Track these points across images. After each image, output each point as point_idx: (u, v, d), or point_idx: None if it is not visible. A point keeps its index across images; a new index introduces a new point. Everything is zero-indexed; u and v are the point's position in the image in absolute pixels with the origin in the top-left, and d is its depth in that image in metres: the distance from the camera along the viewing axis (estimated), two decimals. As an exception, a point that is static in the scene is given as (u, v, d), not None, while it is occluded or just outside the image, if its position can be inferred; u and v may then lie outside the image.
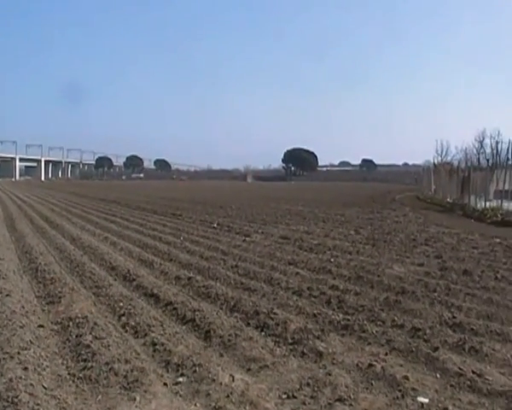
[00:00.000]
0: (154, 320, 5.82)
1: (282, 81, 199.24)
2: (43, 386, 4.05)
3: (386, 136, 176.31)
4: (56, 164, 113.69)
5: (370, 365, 4.56)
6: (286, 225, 15.89)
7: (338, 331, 5.54)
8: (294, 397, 4.05)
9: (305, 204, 24.93)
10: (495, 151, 23.26)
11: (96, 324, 5.56)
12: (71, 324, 5.64)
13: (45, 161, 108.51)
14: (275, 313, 6.04)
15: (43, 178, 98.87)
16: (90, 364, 4.54)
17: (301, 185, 49.15)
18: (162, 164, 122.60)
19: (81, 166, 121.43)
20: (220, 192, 40.78)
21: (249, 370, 4.61)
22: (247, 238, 12.66)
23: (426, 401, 3.92)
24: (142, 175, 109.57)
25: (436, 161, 42.41)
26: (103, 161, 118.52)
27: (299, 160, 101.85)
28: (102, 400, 3.95)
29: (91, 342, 5.01)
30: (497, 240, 12.08)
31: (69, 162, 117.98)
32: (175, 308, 6.35)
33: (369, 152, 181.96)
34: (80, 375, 4.36)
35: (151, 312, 6.21)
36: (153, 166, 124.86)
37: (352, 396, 3.99)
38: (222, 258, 9.85)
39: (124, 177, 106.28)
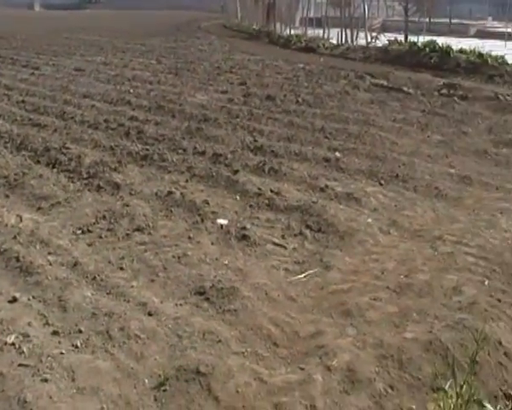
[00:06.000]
0: None
1: None
2: None
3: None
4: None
5: (170, 192, 4.45)
6: (81, 56, 14.20)
7: (137, 162, 5.32)
8: (90, 232, 3.84)
9: (102, 34, 22.45)
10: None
11: None
12: None
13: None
14: (68, 148, 5.57)
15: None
16: None
17: (98, 14, 43.64)
18: None
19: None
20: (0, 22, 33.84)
21: (39, 209, 4.25)
22: (36, 71, 11.22)
23: (225, 222, 3.93)
24: None
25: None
26: None
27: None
28: None
29: None
30: (301, 65, 12.17)
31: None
32: None
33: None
34: None
35: None
36: None
37: (151, 225, 3.90)
38: (5, 93, 8.79)
39: None
